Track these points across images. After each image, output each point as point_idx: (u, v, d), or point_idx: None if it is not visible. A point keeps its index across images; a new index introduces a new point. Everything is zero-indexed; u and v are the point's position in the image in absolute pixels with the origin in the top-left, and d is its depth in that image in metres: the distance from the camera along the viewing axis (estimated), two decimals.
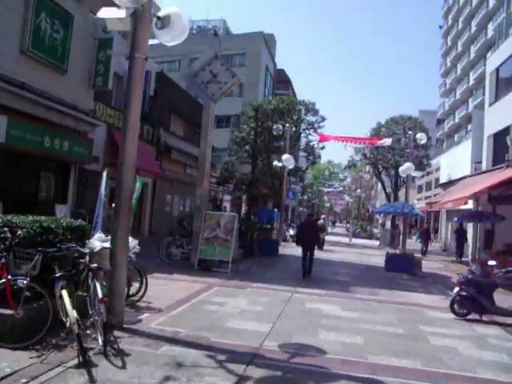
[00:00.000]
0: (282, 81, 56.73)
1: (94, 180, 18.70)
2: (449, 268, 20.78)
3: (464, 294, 9.54)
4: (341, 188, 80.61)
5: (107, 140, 19.19)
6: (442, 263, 22.62)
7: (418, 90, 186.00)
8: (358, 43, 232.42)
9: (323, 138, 26.91)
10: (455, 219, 20.56)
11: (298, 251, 22.96)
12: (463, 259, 25.00)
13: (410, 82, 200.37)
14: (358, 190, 56.13)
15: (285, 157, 25.64)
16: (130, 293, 8.89)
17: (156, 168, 22.10)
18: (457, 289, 9.67)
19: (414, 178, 29.35)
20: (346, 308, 9.79)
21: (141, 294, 8.86)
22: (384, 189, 32.92)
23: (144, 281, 8.87)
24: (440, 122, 65.37)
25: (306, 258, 14.08)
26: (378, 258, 22.92)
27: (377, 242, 37.84)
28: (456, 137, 56.15)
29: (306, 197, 63.41)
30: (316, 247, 14.77)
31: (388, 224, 61.04)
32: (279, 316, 8.58)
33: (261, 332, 7.37)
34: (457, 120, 57.52)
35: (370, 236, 45.17)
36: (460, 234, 25.99)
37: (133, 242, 8.75)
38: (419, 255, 18.44)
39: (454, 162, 31.12)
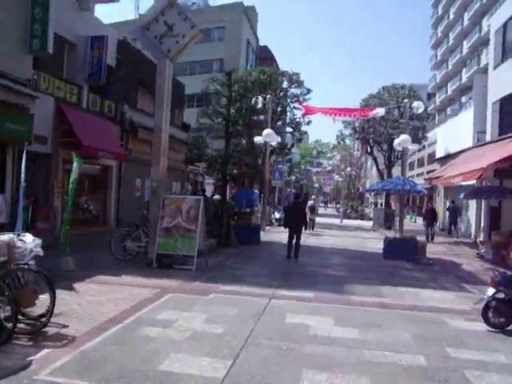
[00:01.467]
0: (265, 58, 53.42)
1: (43, 164, 15.90)
2: (454, 251, 18.30)
3: (502, 297, 6.95)
4: (330, 167, 78.05)
5: (56, 117, 16.29)
6: (444, 246, 20.11)
7: (407, 64, 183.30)
8: (345, 14, 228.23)
9: (308, 111, 24.13)
10: (461, 196, 18.04)
11: (283, 237, 20.39)
12: (461, 239, 22.64)
13: (398, 57, 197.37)
14: (348, 169, 53.57)
15: (266, 132, 22.87)
16: (37, 314, 6.25)
17: (119, 149, 19.23)
18: (492, 291, 7.06)
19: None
20: (342, 321, 7.15)
21: (49, 314, 6.17)
22: (376, 165, 30.36)
23: (52, 295, 6.18)
24: (430, 96, 62.79)
25: (292, 241, 13.58)
26: (373, 242, 20.40)
27: (369, 223, 35.43)
28: (449, 110, 53.69)
29: (293, 177, 60.66)
30: (304, 228, 14.11)
31: (379, 203, 58.69)
32: (245, 344, 5.91)
33: (210, 381, 4.73)
34: (449, 93, 55.02)
35: (362, 216, 42.77)
36: (454, 212, 24.98)
37: (31, 243, 6.03)
38: (422, 239, 15.85)
39: (452, 134, 28.53)
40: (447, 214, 26.70)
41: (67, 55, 18.39)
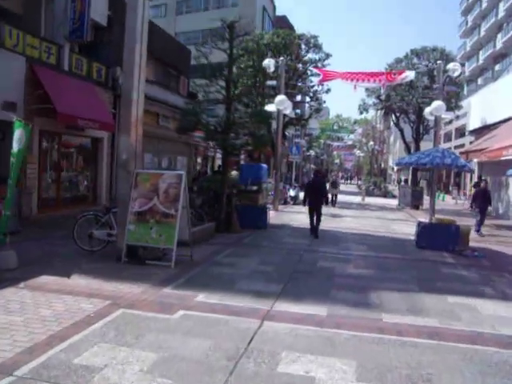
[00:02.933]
0: (283, 28, 50.07)
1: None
2: (496, 237, 15.43)
3: None
4: (351, 142, 74.64)
5: (29, 80, 13.77)
6: (485, 226, 17.17)
7: (434, 33, 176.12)
8: None
9: (327, 76, 21.15)
10: (509, 172, 15.05)
11: (296, 219, 17.75)
12: (501, 222, 19.68)
13: (425, 25, 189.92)
14: (371, 143, 50.24)
15: (278, 98, 20.03)
16: None
17: (107, 118, 16.62)
18: None
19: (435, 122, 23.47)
20: (369, 370, 4.45)
21: None
22: (403, 138, 27.22)
23: None
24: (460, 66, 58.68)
25: (314, 217, 13.34)
26: (400, 225, 17.64)
27: (393, 201, 32.55)
28: (480, 80, 49.83)
29: (312, 152, 57.65)
30: (325, 203, 13.92)
31: (403, 180, 55.59)
32: None
33: None
34: (481, 61, 51.05)
35: (385, 194, 39.74)
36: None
37: None
38: (470, 227, 12.99)
39: (490, 103, 25.22)
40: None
41: (44, 9, 15.82)
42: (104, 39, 18.53)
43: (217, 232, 12.96)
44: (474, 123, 28.42)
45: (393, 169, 76.84)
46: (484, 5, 49.79)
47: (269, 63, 20.57)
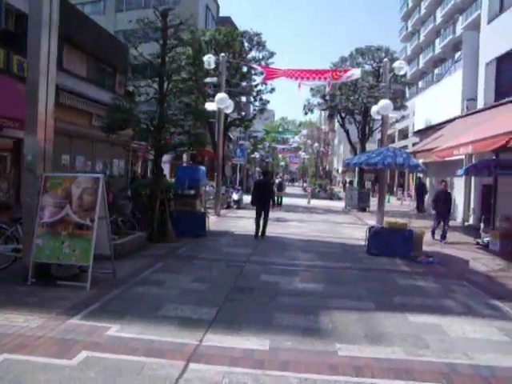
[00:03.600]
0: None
1: None
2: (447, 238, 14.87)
3: None
4: (296, 144, 74.41)
5: None
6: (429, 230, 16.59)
7: (376, 37, 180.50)
8: None
9: (270, 74, 20.12)
10: (458, 172, 14.47)
11: (240, 225, 16.57)
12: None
13: (366, 30, 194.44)
14: (316, 144, 49.87)
15: (219, 96, 18.78)
16: None
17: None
18: None
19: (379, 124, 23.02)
20: None
21: None
22: (349, 139, 26.64)
23: None
24: (395, 75, 59.46)
25: (260, 218, 13.28)
26: (349, 229, 16.83)
27: (339, 203, 32.03)
28: (420, 83, 50.55)
29: (257, 155, 56.73)
30: (272, 205, 13.79)
31: (348, 182, 55.69)
32: None
33: None
34: (421, 65, 51.98)
35: (331, 196, 39.29)
36: (420, 188, 24.59)
37: None
38: (423, 230, 12.19)
39: (434, 103, 25.03)
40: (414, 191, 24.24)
41: None
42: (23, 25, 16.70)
43: (150, 242, 11.61)
44: (418, 124, 28.25)
45: (337, 171, 77.30)
46: (423, 11, 50.71)
47: (209, 59, 19.30)
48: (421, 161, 21.57)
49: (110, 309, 6.13)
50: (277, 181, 29.93)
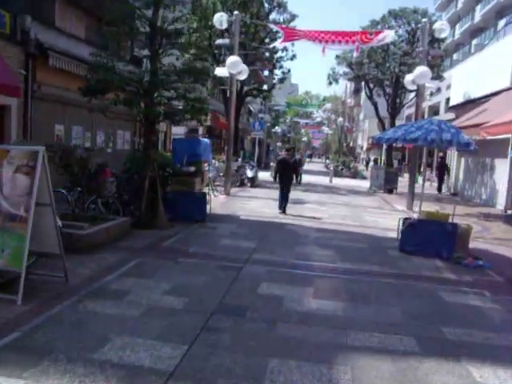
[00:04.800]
0: None
1: None
2: (489, 229, 12.63)
3: None
4: (319, 119, 71.59)
5: None
6: (470, 217, 14.30)
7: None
8: None
9: (290, 36, 17.72)
10: (510, 152, 12.09)
11: (250, 208, 14.53)
12: (487, 210, 16.95)
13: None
14: (340, 119, 47.10)
15: (231, 60, 16.55)
16: None
17: (13, 80, 12.75)
18: None
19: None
20: None
21: None
22: (377, 113, 24.15)
23: None
24: (433, 41, 55.85)
25: (283, 193, 13.32)
26: (375, 214, 14.66)
27: (363, 183, 29.66)
28: (455, 56, 47.14)
29: (279, 129, 54.31)
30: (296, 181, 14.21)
31: (373, 160, 53.10)
32: None
33: None
34: (457, 36, 48.38)
35: (355, 175, 36.81)
36: (442, 168, 23.81)
37: None
38: (471, 226, 9.91)
39: (476, 74, 22.27)
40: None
41: None
42: None
43: (136, 228, 9.65)
44: (454, 98, 25.52)
45: (362, 148, 74.45)
46: None
47: (221, 18, 17.04)
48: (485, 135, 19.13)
49: (31, 344, 4.17)
50: (296, 157, 27.77)
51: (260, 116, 43.06)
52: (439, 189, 23.50)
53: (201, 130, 35.74)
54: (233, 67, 16.35)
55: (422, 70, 15.58)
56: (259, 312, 5.33)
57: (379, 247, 9.63)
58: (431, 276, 7.58)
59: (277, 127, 53.68)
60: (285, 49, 23.81)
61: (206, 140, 12.51)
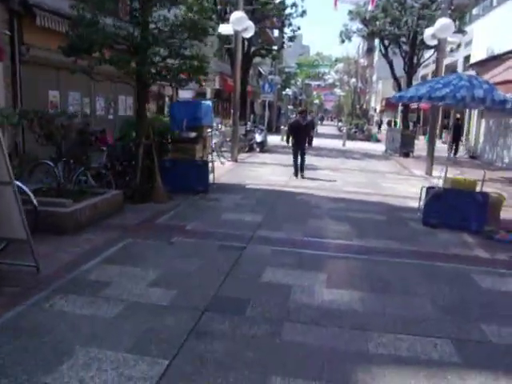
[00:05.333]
0: None
1: None
2: None
3: None
4: (331, 81, 69.56)
5: None
6: (494, 182, 13.25)
7: None
8: None
9: None
10: None
11: (257, 175, 13.58)
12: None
13: None
14: (353, 80, 45.34)
15: (235, 15, 15.31)
16: None
17: None
18: None
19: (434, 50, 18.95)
20: None
21: None
22: (392, 72, 22.69)
23: None
24: None
25: (297, 158, 13.20)
26: (393, 181, 13.66)
27: (378, 146, 28.52)
28: (475, 10, 44.56)
29: (290, 91, 52.73)
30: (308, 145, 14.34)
31: (386, 122, 51.57)
32: None
33: None
34: None
35: (368, 138, 35.53)
36: (457, 129, 22.53)
37: None
38: (502, 195, 8.88)
39: (501, 28, 20.66)
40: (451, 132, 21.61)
41: None
42: None
43: (131, 202, 8.80)
44: (477, 55, 23.94)
45: (375, 110, 72.52)
46: None
47: None
48: None
49: None
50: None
51: (270, 78, 41.59)
52: (455, 152, 22.44)
53: (209, 94, 34.56)
54: (237, 23, 15.14)
55: (443, 22, 14.26)
56: (261, 308, 4.44)
57: (399, 219, 8.66)
58: (460, 254, 6.62)
59: (288, 89, 52.10)
60: (294, 5, 22.35)
61: (207, 102, 11.43)
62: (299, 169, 13.20)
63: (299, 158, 13.15)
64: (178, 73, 8.83)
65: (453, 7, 15.28)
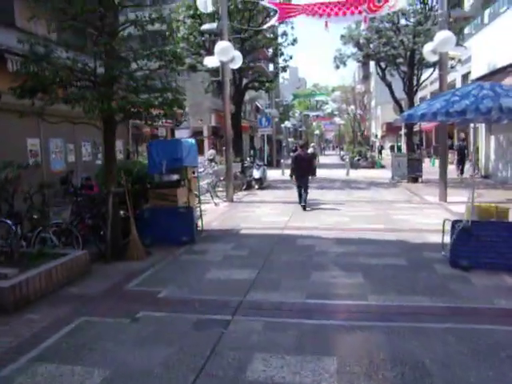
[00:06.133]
0: None
1: None
2: None
3: None
4: (330, 109, 68.89)
5: None
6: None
7: None
8: None
9: (285, 13, 15.32)
10: None
11: (254, 217, 12.21)
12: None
13: None
14: (352, 107, 44.27)
15: (220, 45, 14.21)
16: None
17: None
18: None
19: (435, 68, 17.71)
20: None
21: None
22: (392, 94, 21.45)
23: None
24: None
25: (302, 189, 13.27)
26: (407, 211, 12.20)
27: (383, 173, 27.17)
28: (466, 29, 43.75)
29: (289, 124, 51.82)
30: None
31: (389, 147, 50.53)
32: None
33: None
34: (467, 8, 45.18)
35: (373, 164, 34.20)
36: (463, 149, 22.30)
37: None
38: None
39: (503, 39, 19.56)
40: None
41: None
42: None
43: (104, 261, 7.45)
44: (477, 70, 22.79)
45: (376, 136, 71.61)
46: None
47: None
48: None
49: None
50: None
51: (267, 111, 40.74)
52: (461, 171, 21.40)
53: (205, 132, 33.59)
54: (223, 54, 14.02)
55: (444, 35, 13.14)
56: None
57: (422, 262, 7.17)
58: (502, 313, 5.11)
59: (287, 122, 51.23)
60: (284, 34, 21.38)
61: (189, 140, 10.09)
62: (303, 201, 13.15)
63: (302, 190, 13.21)
64: (148, 107, 7.54)
65: (451, 19, 14.00)
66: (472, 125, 27.21)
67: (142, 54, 7.75)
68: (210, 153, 21.92)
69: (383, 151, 48.98)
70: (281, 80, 53.46)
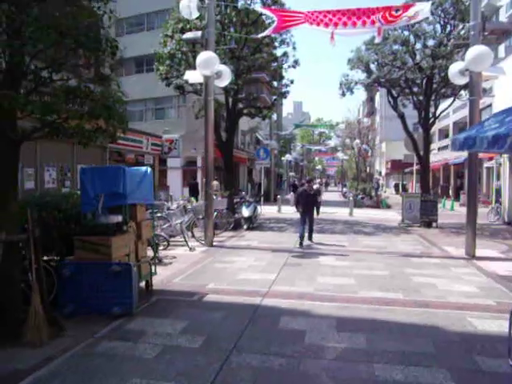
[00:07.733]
0: None
1: None
2: None
3: None
4: (333, 144, 66.70)
5: None
6: None
7: None
8: None
9: (284, 22, 12.90)
10: None
11: (234, 269, 9.41)
12: None
13: None
14: (357, 141, 41.87)
15: (203, 56, 11.74)
16: None
17: None
18: None
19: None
20: None
21: None
22: (405, 127, 18.83)
23: None
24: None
25: (305, 223, 13.16)
26: (428, 271, 9.38)
27: (390, 214, 24.70)
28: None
29: (290, 157, 49.48)
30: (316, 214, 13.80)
31: (393, 186, 48.27)
32: None
33: None
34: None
35: (378, 204, 31.57)
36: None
37: None
38: None
39: None
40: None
41: None
42: None
43: None
44: (500, 103, 20.48)
45: (380, 173, 69.27)
46: None
47: (189, 3, 12.41)
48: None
49: None
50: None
51: (266, 143, 38.45)
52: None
53: (199, 162, 31.12)
54: (205, 66, 11.54)
55: (478, 50, 10.65)
56: None
57: (477, 372, 4.42)
58: None
59: (287, 155, 48.91)
60: (285, 54, 19.05)
61: (141, 169, 7.46)
62: (308, 236, 13.32)
63: (307, 225, 13.20)
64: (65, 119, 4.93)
65: (486, 33, 11.57)
66: (494, 161, 24.88)
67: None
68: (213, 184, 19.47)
69: (381, 189, 46.52)
70: (284, 114, 51.48)
